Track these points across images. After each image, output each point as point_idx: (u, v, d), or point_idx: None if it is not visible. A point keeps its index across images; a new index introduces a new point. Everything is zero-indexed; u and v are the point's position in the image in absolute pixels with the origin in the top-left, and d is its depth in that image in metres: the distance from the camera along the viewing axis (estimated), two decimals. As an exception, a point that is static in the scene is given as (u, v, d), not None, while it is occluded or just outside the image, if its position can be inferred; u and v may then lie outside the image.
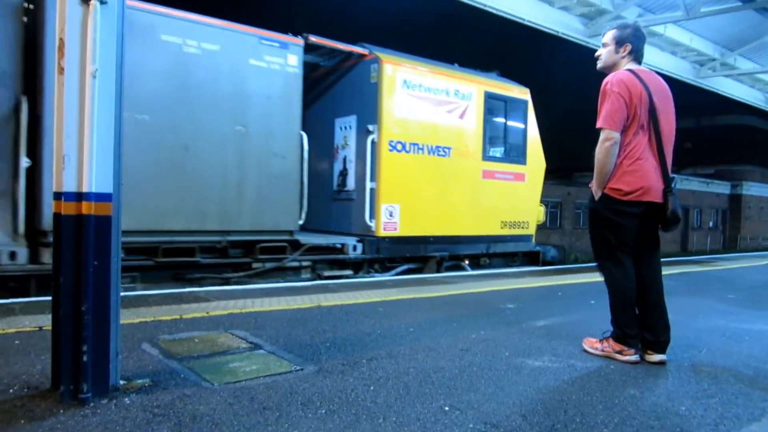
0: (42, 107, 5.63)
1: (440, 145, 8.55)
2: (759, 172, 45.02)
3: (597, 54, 3.83)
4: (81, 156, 2.52)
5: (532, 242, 10.12)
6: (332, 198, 8.69)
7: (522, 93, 9.70)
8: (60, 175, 2.53)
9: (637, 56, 3.69)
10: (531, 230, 9.98)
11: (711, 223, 40.96)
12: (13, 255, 5.52)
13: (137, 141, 6.03)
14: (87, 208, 2.53)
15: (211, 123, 6.62)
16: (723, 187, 41.59)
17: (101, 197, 2.56)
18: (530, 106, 9.73)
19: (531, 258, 10.27)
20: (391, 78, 8.02)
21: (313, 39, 7.61)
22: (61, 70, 2.52)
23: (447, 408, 2.69)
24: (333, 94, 8.87)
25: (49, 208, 5.45)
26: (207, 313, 4.62)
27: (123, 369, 2.90)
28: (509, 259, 9.99)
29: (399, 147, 8.12)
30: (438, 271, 8.71)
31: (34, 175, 5.66)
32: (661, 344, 3.59)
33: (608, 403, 2.82)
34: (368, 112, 8.09)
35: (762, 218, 44.27)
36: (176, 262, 6.50)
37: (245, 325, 4.25)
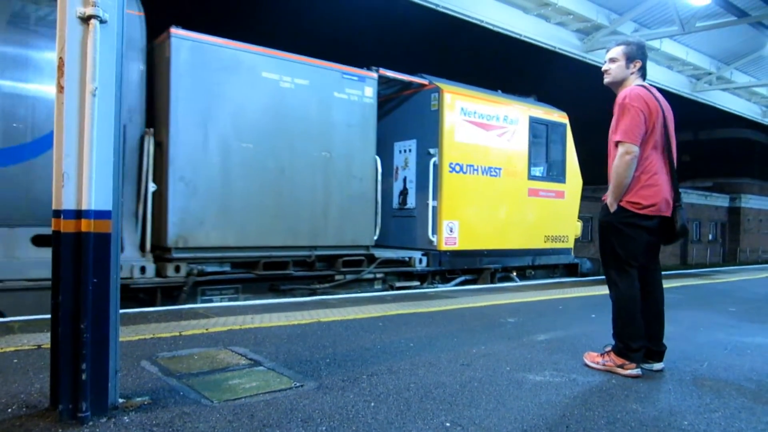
0: (164, 136, 6.40)
1: (492, 166, 9.27)
2: (757, 185, 45.04)
3: (605, 69, 3.81)
4: (80, 174, 2.53)
5: (572, 255, 10.77)
6: (392, 215, 9.37)
7: (561, 117, 10.42)
8: (59, 193, 2.53)
9: (643, 73, 3.74)
10: (570, 244, 10.66)
11: (710, 236, 40.90)
12: (143, 269, 6.22)
13: (243, 166, 6.88)
14: (86, 225, 2.53)
15: (303, 149, 7.37)
16: (722, 200, 41.58)
17: (100, 215, 2.56)
18: (568, 129, 10.42)
19: (570, 270, 10.86)
20: (451, 106, 8.75)
21: (383, 72, 8.35)
22: (61, 89, 2.53)
23: (448, 424, 2.67)
24: (391, 119, 9.54)
25: (174, 227, 6.40)
26: (206, 329, 4.61)
27: (122, 387, 2.88)
28: (550, 270, 10.59)
29: (458, 168, 8.82)
30: (492, 282, 9.35)
31: (160, 198, 6.42)
32: (662, 354, 3.68)
33: (610, 418, 2.81)
34: (429, 137, 8.84)
35: (761, 231, 44.22)
36: (273, 274, 7.17)
37: (245, 341, 4.23)
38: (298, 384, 3.21)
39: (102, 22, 2.55)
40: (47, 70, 5.82)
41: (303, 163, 7.35)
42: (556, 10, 12.56)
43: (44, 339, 4.02)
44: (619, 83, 3.75)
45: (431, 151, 8.71)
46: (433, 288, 8.62)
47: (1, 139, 5.66)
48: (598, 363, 3.71)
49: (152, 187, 6.33)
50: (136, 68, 6.38)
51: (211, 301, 6.71)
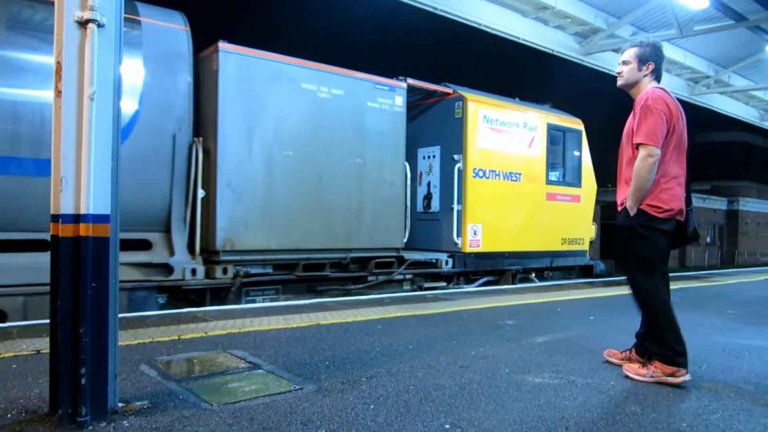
0: (212, 144, 6.67)
1: (512, 171, 9.63)
2: (755, 188, 45.12)
3: (618, 71, 3.75)
4: (79, 178, 2.52)
5: (587, 257, 11.13)
6: (417, 218, 9.59)
7: (577, 124, 10.72)
8: (57, 198, 2.53)
9: (658, 75, 3.67)
10: (585, 246, 11.00)
11: (708, 239, 40.93)
12: (194, 272, 6.49)
13: (285, 173, 7.19)
14: (85, 229, 2.53)
15: (338, 156, 7.70)
16: (719, 203, 41.61)
17: (99, 219, 2.56)
18: (584, 136, 10.68)
19: (585, 271, 11.19)
20: (474, 114, 9.10)
21: (411, 81, 8.67)
22: (59, 93, 2.53)
23: (448, 426, 2.67)
24: (415, 126, 9.61)
25: (222, 231, 6.67)
26: (205, 333, 4.60)
27: (121, 391, 2.88)
28: (566, 271, 10.90)
29: (481, 174, 9.19)
30: (513, 283, 9.62)
31: (208, 203, 6.69)
32: None
33: (609, 420, 2.81)
34: (453, 144, 9.16)
35: (759, 234, 44.27)
36: (311, 276, 7.52)
37: (244, 344, 4.23)
38: (297, 387, 3.21)
39: (100, 26, 2.55)
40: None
41: (338, 170, 7.67)
42: (555, 13, 12.61)
43: (43, 344, 4.02)
44: (632, 86, 3.68)
45: (455, 157, 9.00)
46: (459, 288, 8.88)
47: None
48: (644, 375, 3.52)
49: (201, 193, 6.59)
50: (184, 80, 6.58)
51: (254, 301, 7.01)
